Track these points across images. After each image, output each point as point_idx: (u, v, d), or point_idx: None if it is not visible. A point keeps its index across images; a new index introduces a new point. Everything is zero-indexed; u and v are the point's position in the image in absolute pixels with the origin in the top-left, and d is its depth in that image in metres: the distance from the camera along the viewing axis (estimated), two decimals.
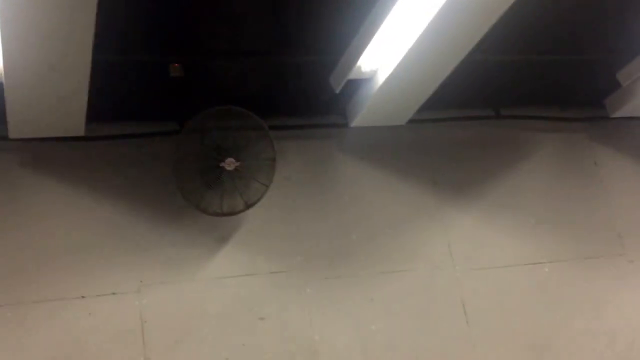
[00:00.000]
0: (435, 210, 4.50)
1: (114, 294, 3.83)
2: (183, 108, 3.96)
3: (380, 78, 3.83)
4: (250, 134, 3.92)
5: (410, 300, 4.26)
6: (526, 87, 4.69)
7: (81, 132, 3.76)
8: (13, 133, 3.70)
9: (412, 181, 4.52)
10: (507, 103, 4.79)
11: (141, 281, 3.88)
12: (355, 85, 4.04)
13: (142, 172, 4.01)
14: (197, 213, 3.91)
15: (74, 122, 3.64)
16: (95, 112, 3.88)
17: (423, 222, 4.46)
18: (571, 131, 4.95)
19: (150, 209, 3.98)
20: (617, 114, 4.87)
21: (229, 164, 3.84)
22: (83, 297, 3.78)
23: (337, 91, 3.84)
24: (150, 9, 3.41)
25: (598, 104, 4.97)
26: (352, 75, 3.81)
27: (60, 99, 3.43)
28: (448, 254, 4.43)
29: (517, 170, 4.74)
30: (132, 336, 3.78)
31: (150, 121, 4.05)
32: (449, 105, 4.64)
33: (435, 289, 4.33)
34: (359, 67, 3.77)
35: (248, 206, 3.95)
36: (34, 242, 3.79)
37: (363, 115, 4.17)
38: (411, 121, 4.44)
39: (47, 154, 3.89)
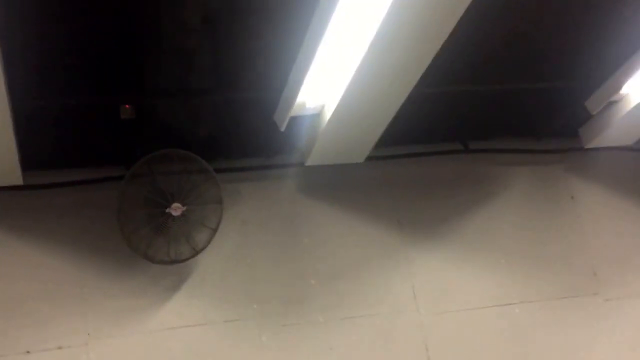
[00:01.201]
0: (399, 251, 4.35)
1: (60, 348, 3.72)
2: (130, 152, 3.86)
3: (327, 114, 3.72)
4: (196, 177, 3.81)
5: (371, 347, 4.11)
6: (495, 119, 4.56)
7: (19, 180, 3.67)
8: None
9: (374, 222, 4.38)
10: (476, 136, 4.65)
11: (89, 334, 3.77)
12: (305, 122, 3.92)
13: (88, 221, 3.90)
14: (145, 261, 3.80)
15: (9, 171, 3.55)
16: (37, 159, 3.85)
17: (386, 264, 4.31)
18: (546, 163, 4.79)
19: (97, 258, 3.87)
20: (592, 145, 4.69)
21: (175, 209, 3.73)
22: (28, 352, 3.67)
23: (282, 129, 3.72)
24: (82, 49, 3.36)
25: (574, 134, 4.81)
26: (295, 112, 3.70)
27: None
28: (412, 297, 4.27)
29: (487, 207, 4.59)
30: None
31: (97, 167, 3.95)
32: (414, 140, 4.53)
33: (398, 335, 4.18)
34: (303, 104, 3.66)
35: (196, 252, 3.84)
36: None
37: (316, 153, 4.04)
38: (371, 158, 4.31)
39: None
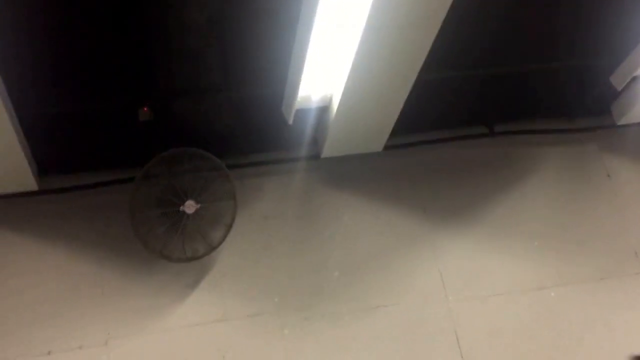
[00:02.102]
0: (425, 239, 4.23)
1: (80, 347, 3.74)
2: (145, 153, 3.87)
3: (335, 105, 3.66)
4: (208, 174, 3.79)
5: (398, 337, 3.99)
6: (520, 100, 4.43)
7: (34, 186, 3.73)
8: None
9: (398, 210, 4.28)
10: (500, 119, 4.51)
11: (109, 333, 3.79)
12: (316, 114, 3.87)
13: (106, 222, 3.94)
14: (163, 260, 3.80)
15: (23, 177, 3.61)
16: (55, 165, 3.93)
17: (412, 252, 4.21)
18: (578, 142, 4.62)
19: (116, 259, 3.90)
20: (624, 121, 4.50)
21: (189, 206, 3.72)
22: (49, 352, 3.71)
23: (290, 122, 3.67)
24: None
25: (605, 112, 4.62)
26: (302, 104, 3.67)
27: None
28: (440, 285, 4.15)
29: (516, 190, 4.44)
30: None
31: (113, 169, 3.98)
32: (436, 126, 4.43)
33: (426, 323, 4.05)
34: (308, 96, 3.62)
35: (212, 248, 3.82)
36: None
37: (330, 145, 3.98)
38: (392, 147, 4.24)
39: (3, 211, 3.88)
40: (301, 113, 3.80)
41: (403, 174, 4.36)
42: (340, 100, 3.55)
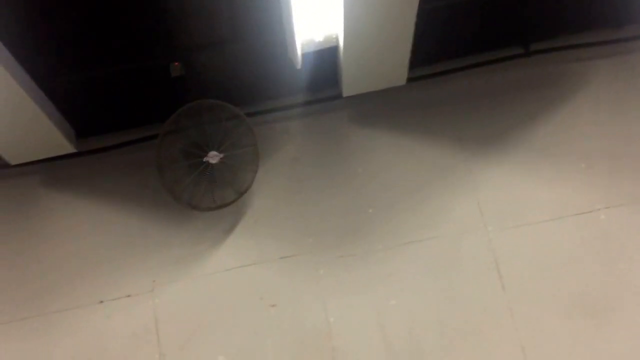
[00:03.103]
0: (461, 169, 4.13)
1: (129, 296, 4.01)
2: (176, 108, 4.01)
3: (341, 43, 3.62)
4: (228, 124, 3.88)
5: (435, 271, 3.96)
6: (556, 14, 4.17)
7: (73, 149, 3.99)
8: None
9: (432, 142, 4.20)
10: (536, 38, 4.27)
11: (154, 281, 4.02)
12: (330, 56, 3.85)
13: (145, 177, 4.13)
14: (193, 210, 3.96)
15: (59, 142, 3.89)
16: (92, 126, 4.17)
17: (448, 183, 4.12)
18: (629, 52, 4.30)
19: (156, 211, 4.10)
20: None
21: (213, 157, 3.85)
22: (101, 302, 4.00)
23: (298, 67, 3.67)
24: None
25: None
26: (307, 47, 3.66)
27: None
28: (478, 215, 4.06)
29: (560, 109, 4.22)
30: (147, 335, 3.93)
31: (146, 126, 4.17)
32: (466, 52, 4.27)
33: (465, 256, 3.98)
34: (311, 39, 3.61)
35: (240, 194, 3.93)
36: (52, 255, 4.08)
37: (349, 83, 3.95)
38: (419, 77, 4.17)
39: (48, 174, 4.19)
40: (312, 56, 3.80)
41: (434, 105, 4.25)
42: (344, 37, 3.51)
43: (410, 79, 4.09)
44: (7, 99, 3.45)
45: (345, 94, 4.05)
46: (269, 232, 4.08)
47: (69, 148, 3.97)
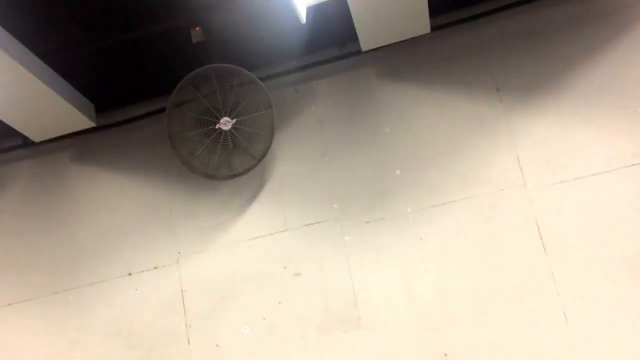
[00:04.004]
0: (499, 121, 3.79)
1: (156, 267, 3.98)
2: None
3: None
4: (241, 89, 3.73)
5: (468, 233, 3.67)
6: None
7: (92, 123, 3.97)
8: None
9: (465, 94, 3.87)
10: None
11: (179, 252, 3.97)
12: (338, 8, 3.61)
13: (167, 149, 4.05)
14: (209, 180, 3.86)
15: (77, 117, 3.88)
16: (111, 100, 4.15)
17: (484, 137, 3.79)
18: None
19: (182, 181, 4.04)
20: None
21: (225, 123, 3.71)
22: (130, 274, 3.99)
23: (303, 21, 3.45)
24: None
25: None
26: (312, 1, 3.43)
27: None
28: (517, 170, 3.70)
29: (609, 51, 3.76)
30: (174, 306, 3.89)
31: (166, 97, 4.08)
32: None
33: (502, 215, 3.66)
34: None
35: (257, 161, 3.78)
36: (83, 229, 4.12)
37: (366, 35, 3.69)
38: (444, 26, 3.86)
39: (71, 149, 4.20)
40: (327, 9, 3.60)
41: (466, 53, 3.91)
42: None
43: (435, 27, 3.78)
44: (12, 80, 3.46)
45: (364, 47, 3.79)
46: (294, 198, 3.92)
47: (88, 123, 3.96)
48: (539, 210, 3.62)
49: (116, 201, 4.12)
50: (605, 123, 3.67)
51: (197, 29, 3.83)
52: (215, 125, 3.72)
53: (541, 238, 3.58)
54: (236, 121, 3.71)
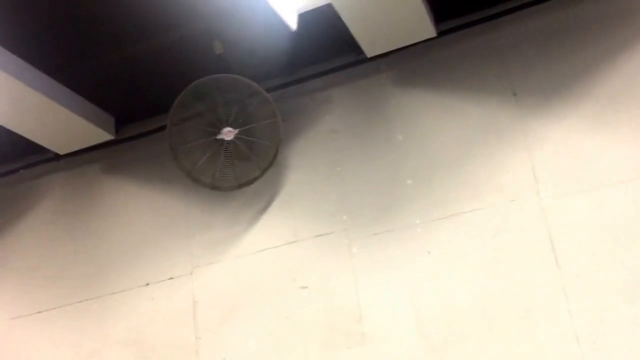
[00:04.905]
0: (514, 127, 3.58)
1: (171, 278, 4.01)
2: None
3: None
4: (242, 99, 3.70)
5: (477, 246, 3.47)
6: None
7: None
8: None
9: (480, 99, 3.68)
10: None
11: (193, 264, 3.99)
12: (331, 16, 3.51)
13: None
14: (215, 191, 3.85)
15: (94, 132, 4.03)
16: (130, 114, 4.22)
17: (498, 144, 3.59)
18: None
19: (200, 193, 4.02)
20: None
21: (227, 133, 3.69)
22: (147, 284, 4.05)
23: (294, 28, 3.40)
24: None
25: None
26: (303, 7, 3.37)
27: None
28: (531, 179, 3.47)
29: (631, 54, 3.47)
30: (185, 317, 3.91)
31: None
32: None
33: (514, 227, 3.44)
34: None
35: (263, 170, 3.74)
36: (108, 240, 4.22)
37: (365, 41, 3.58)
38: (454, 30, 3.72)
39: (93, 162, 4.32)
40: (312, 17, 3.54)
41: (483, 56, 3.72)
42: None
43: (449, 30, 3.65)
44: (28, 104, 3.66)
45: (369, 54, 3.68)
46: (304, 208, 3.86)
47: (106, 136, 4.06)
48: (553, 222, 3.38)
49: (139, 212, 4.21)
50: (626, 130, 3.39)
51: (218, 42, 3.83)
52: (217, 135, 3.70)
53: (554, 252, 3.34)
54: (239, 131, 3.68)
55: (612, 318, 3.16)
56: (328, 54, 3.95)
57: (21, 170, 4.52)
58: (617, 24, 3.52)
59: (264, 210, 3.93)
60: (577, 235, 3.32)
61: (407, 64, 3.85)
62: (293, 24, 3.39)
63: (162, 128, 4.14)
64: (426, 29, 3.54)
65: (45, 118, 3.82)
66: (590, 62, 3.53)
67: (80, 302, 4.15)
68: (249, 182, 3.78)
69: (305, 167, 3.92)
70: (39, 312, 4.22)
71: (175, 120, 3.76)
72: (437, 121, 3.74)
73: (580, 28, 3.58)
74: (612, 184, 3.33)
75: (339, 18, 3.59)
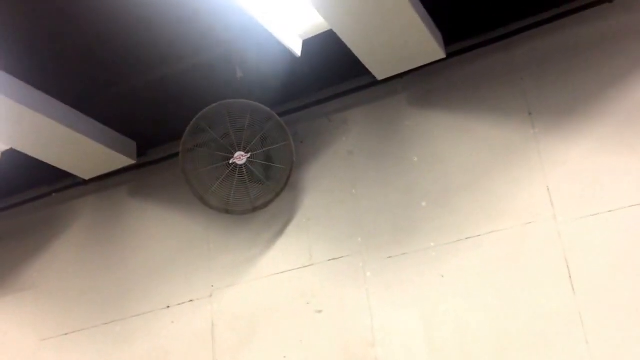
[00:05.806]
0: (529, 148, 3.50)
1: (191, 301, 4.04)
2: None
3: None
4: (254, 123, 3.71)
5: (493, 270, 3.40)
6: None
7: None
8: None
9: (496, 120, 3.61)
10: None
11: (212, 286, 4.01)
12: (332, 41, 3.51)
13: None
14: (229, 215, 3.88)
15: (118, 158, 4.14)
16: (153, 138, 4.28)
17: (514, 166, 3.51)
18: None
19: (219, 216, 4.03)
20: None
21: (239, 157, 3.71)
22: (168, 307, 4.09)
23: (298, 54, 3.40)
24: None
25: None
26: (305, 35, 3.40)
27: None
28: (547, 202, 3.38)
29: None
30: (204, 339, 3.93)
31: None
32: (527, 12, 3.61)
33: (530, 250, 3.36)
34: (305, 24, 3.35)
35: (276, 194, 3.75)
36: (132, 263, 4.28)
37: (372, 64, 3.56)
38: (467, 50, 3.68)
39: (119, 187, 4.41)
40: (326, 40, 3.53)
41: (498, 75, 3.65)
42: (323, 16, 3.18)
43: (457, 52, 3.60)
44: (44, 131, 3.79)
45: (379, 76, 3.66)
46: (319, 231, 3.84)
47: (128, 161, 4.19)
48: (569, 245, 3.28)
49: (161, 235, 4.27)
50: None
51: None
52: (229, 160, 3.73)
53: (570, 277, 3.24)
54: (251, 155, 3.70)
55: (630, 348, 3.05)
56: (344, 77, 3.94)
57: (53, 194, 4.65)
58: (634, 42, 3.42)
59: (280, 232, 3.94)
60: (593, 259, 3.22)
61: (422, 85, 3.81)
62: (297, 50, 3.39)
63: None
64: (434, 51, 3.50)
65: (67, 147, 3.95)
66: (608, 80, 3.43)
67: (105, 324, 4.21)
68: (263, 206, 3.79)
69: (320, 190, 3.91)
70: (66, 334, 4.30)
71: (188, 146, 3.79)
72: (452, 142, 3.68)
73: (595, 46, 3.48)
74: (628, 206, 3.22)
75: None
